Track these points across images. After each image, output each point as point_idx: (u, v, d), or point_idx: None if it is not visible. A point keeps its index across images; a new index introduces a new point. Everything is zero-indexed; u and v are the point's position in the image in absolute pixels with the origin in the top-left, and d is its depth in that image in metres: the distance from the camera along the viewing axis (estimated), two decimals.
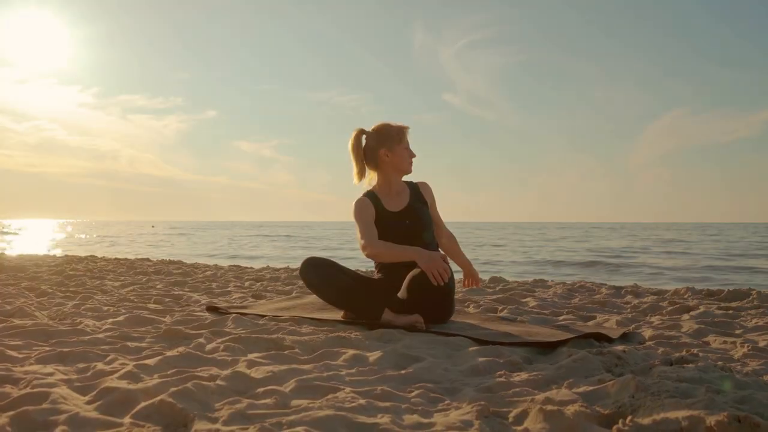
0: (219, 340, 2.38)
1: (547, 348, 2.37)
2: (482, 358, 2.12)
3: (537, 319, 3.08)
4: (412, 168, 2.99)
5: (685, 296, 3.94)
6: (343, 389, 1.70)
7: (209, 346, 2.31)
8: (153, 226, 59.00)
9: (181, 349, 2.20)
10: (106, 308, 3.27)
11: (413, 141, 3.01)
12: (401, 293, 2.73)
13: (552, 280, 5.27)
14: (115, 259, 8.29)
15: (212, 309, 3.24)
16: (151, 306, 3.42)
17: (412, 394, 1.70)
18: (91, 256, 8.77)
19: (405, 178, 3.03)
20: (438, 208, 3.10)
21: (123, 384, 1.70)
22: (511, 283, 4.90)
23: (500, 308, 3.42)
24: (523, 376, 1.90)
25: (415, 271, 2.69)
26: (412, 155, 2.97)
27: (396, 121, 2.99)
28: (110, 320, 2.86)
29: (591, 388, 1.71)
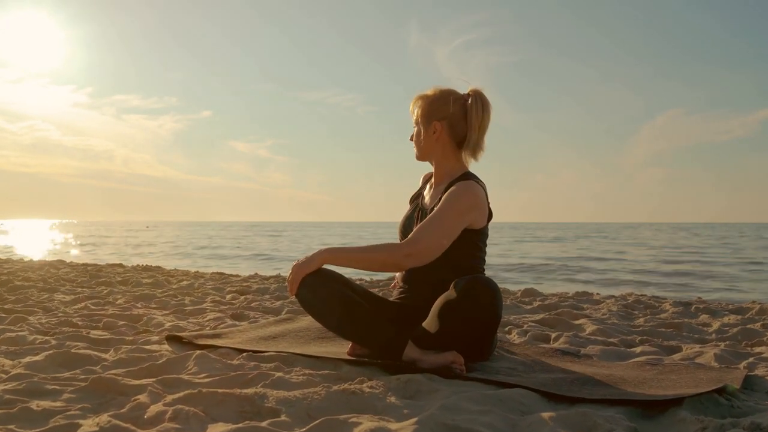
0: (169, 398, 1.61)
1: (655, 407, 1.61)
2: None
3: (606, 351, 2.31)
4: (417, 155, 2.26)
5: None
6: None
7: (151, 410, 1.53)
8: (147, 227, 57.84)
9: (104, 418, 1.44)
10: (32, 337, 2.47)
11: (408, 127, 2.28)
12: (428, 322, 1.98)
13: (598, 293, 4.47)
14: (83, 264, 7.42)
15: (173, 339, 2.44)
16: (96, 334, 2.62)
17: None
18: (58, 261, 7.92)
19: (475, 169, 2.28)
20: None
21: None
22: (548, 297, 4.09)
23: (553, 335, 2.63)
24: None
25: (448, 295, 1.93)
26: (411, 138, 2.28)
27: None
28: (27, 359, 2.08)
29: None
